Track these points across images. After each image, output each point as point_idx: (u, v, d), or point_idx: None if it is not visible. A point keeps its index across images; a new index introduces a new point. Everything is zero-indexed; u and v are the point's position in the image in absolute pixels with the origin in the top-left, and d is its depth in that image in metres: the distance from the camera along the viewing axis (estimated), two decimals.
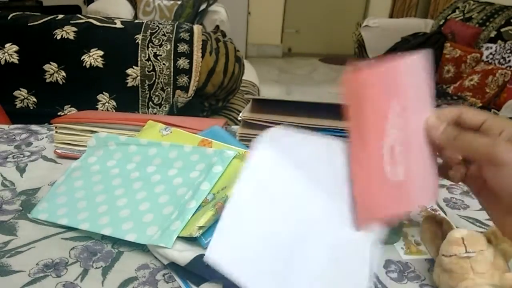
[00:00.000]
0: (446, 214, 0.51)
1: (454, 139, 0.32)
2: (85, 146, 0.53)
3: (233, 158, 0.46)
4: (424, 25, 2.89)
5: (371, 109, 0.33)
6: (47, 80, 0.96)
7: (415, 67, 0.33)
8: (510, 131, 0.31)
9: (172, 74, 1.01)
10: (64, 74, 0.96)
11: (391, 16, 3.84)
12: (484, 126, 0.32)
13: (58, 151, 0.59)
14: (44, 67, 0.95)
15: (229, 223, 0.28)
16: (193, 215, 0.40)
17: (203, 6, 2.62)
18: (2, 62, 0.93)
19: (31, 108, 0.97)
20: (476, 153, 0.31)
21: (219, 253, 0.27)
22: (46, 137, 0.65)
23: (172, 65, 1.00)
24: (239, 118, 0.59)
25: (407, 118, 0.33)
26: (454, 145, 0.33)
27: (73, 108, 0.99)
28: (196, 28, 1.06)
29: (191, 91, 1.02)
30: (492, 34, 2.31)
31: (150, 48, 0.99)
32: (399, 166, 0.32)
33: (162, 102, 1.02)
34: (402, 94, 0.33)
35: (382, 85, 0.32)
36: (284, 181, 0.32)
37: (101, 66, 0.96)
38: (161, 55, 1.00)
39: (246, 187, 0.30)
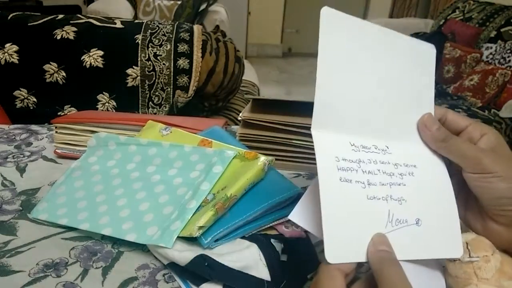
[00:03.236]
0: None
1: (443, 141, 0.33)
2: (85, 146, 0.53)
3: (233, 158, 0.46)
4: (424, 25, 2.89)
5: None
6: (47, 80, 0.96)
7: None
8: (490, 138, 0.33)
9: (172, 74, 1.01)
10: (64, 74, 0.96)
11: (391, 16, 3.84)
12: (467, 130, 0.34)
13: (58, 151, 0.59)
14: (44, 67, 0.95)
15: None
16: (193, 215, 0.40)
17: (203, 6, 2.62)
18: (2, 62, 0.93)
19: (31, 108, 0.97)
20: (463, 158, 0.32)
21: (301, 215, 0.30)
22: (46, 137, 0.65)
23: (172, 65, 1.00)
24: (239, 118, 0.59)
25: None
26: (442, 147, 0.33)
27: (73, 108, 0.99)
28: (196, 28, 1.06)
29: (191, 91, 1.02)
30: (492, 34, 2.31)
31: (150, 48, 0.99)
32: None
33: (162, 102, 1.02)
34: None
35: None
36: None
37: (101, 66, 0.96)
38: (161, 55, 1.00)
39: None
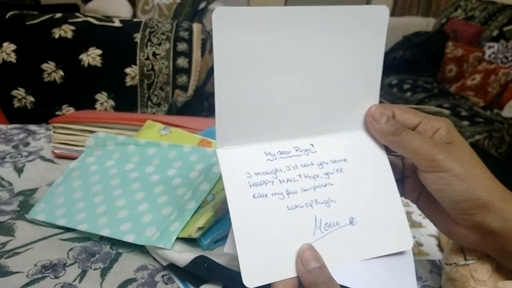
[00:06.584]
0: None
1: (393, 134, 0.30)
2: (83, 146, 0.52)
3: None
4: (426, 24, 2.88)
5: None
6: (45, 80, 0.95)
7: None
8: (442, 132, 0.30)
9: (171, 73, 1.00)
10: (62, 73, 0.95)
11: (392, 15, 3.83)
12: (419, 128, 0.31)
13: (56, 151, 0.58)
14: (42, 66, 0.94)
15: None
16: (192, 215, 0.39)
17: (202, 5, 2.61)
18: (0, 62, 0.93)
19: (29, 107, 0.96)
20: (416, 153, 0.29)
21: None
22: (44, 137, 0.65)
23: (171, 64, 1.00)
24: None
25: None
26: (393, 141, 0.30)
27: (71, 108, 0.98)
28: (196, 26, 1.06)
29: (190, 91, 1.02)
30: (494, 33, 2.30)
31: (149, 47, 0.99)
32: None
33: (161, 102, 1.01)
34: None
35: None
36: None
37: (100, 65, 0.96)
38: (160, 54, 0.99)
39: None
